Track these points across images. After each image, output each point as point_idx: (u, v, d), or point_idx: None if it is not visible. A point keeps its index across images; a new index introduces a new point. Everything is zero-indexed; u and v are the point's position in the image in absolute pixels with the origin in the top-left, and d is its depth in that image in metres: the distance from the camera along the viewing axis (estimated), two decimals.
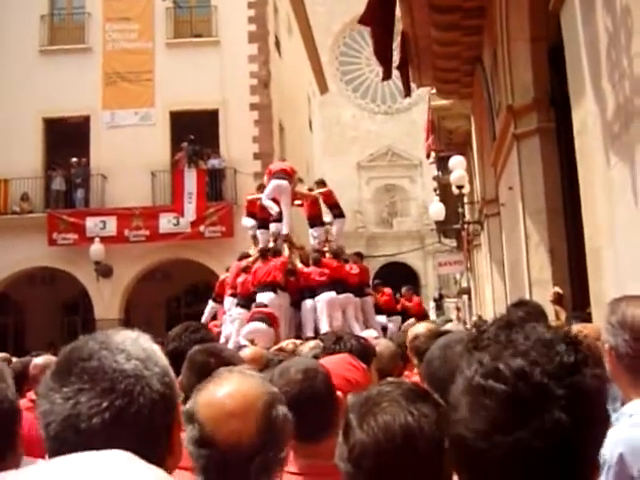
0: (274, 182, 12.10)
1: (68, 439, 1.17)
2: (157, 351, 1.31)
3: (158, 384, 1.24)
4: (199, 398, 1.65)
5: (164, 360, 1.31)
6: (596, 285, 5.53)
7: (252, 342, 10.47)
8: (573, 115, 5.69)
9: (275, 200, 12.13)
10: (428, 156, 23.61)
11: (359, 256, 13.25)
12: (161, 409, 1.24)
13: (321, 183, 13.22)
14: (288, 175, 12.36)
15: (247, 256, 12.45)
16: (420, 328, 3.87)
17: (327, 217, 13.15)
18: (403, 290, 14.94)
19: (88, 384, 1.19)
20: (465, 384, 1.07)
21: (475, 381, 1.05)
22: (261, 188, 12.71)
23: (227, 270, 13.31)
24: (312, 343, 4.94)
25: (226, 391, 1.63)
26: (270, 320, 10.59)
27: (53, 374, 1.25)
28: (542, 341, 1.07)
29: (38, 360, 4.86)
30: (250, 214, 12.96)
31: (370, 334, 8.30)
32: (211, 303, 13.08)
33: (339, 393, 2.30)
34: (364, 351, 3.24)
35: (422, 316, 13.71)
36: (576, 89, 5.49)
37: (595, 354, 2.21)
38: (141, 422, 1.20)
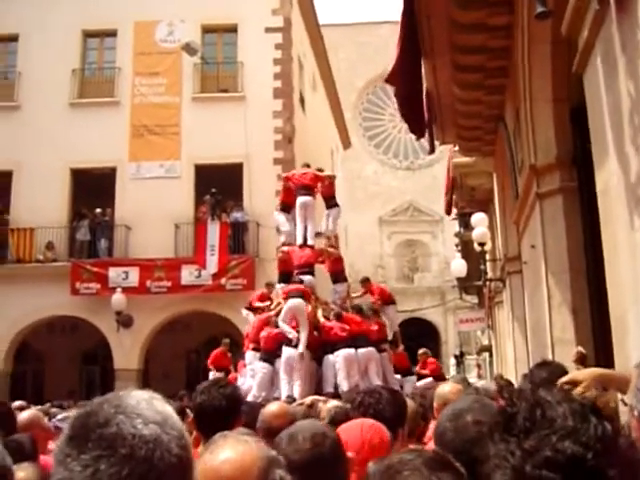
0: (300, 199, 12.58)
1: None
2: (172, 413, 1.29)
3: (176, 448, 1.21)
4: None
5: (179, 422, 1.28)
6: (620, 346, 5.46)
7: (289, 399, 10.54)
8: (596, 176, 5.69)
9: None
10: (448, 213, 23.60)
11: (376, 313, 13.24)
12: (179, 473, 1.22)
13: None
14: (311, 190, 12.62)
15: (272, 285, 12.71)
16: (447, 387, 3.76)
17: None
18: (419, 353, 14.89)
19: (107, 451, 1.16)
20: (513, 475, 1.01)
21: (527, 471, 0.99)
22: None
23: (266, 286, 13.33)
24: (332, 403, 4.89)
25: (221, 458, 1.57)
26: (306, 296, 10.76)
27: (69, 440, 1.21)
28: (578, 415, 1.03)
29: (23, 414, 4.73)
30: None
31: None
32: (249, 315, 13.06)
33: (350, 454, 2.26)
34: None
35: (439, 377, 13.71)
36: (599, 151, 5.50)
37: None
38: None
